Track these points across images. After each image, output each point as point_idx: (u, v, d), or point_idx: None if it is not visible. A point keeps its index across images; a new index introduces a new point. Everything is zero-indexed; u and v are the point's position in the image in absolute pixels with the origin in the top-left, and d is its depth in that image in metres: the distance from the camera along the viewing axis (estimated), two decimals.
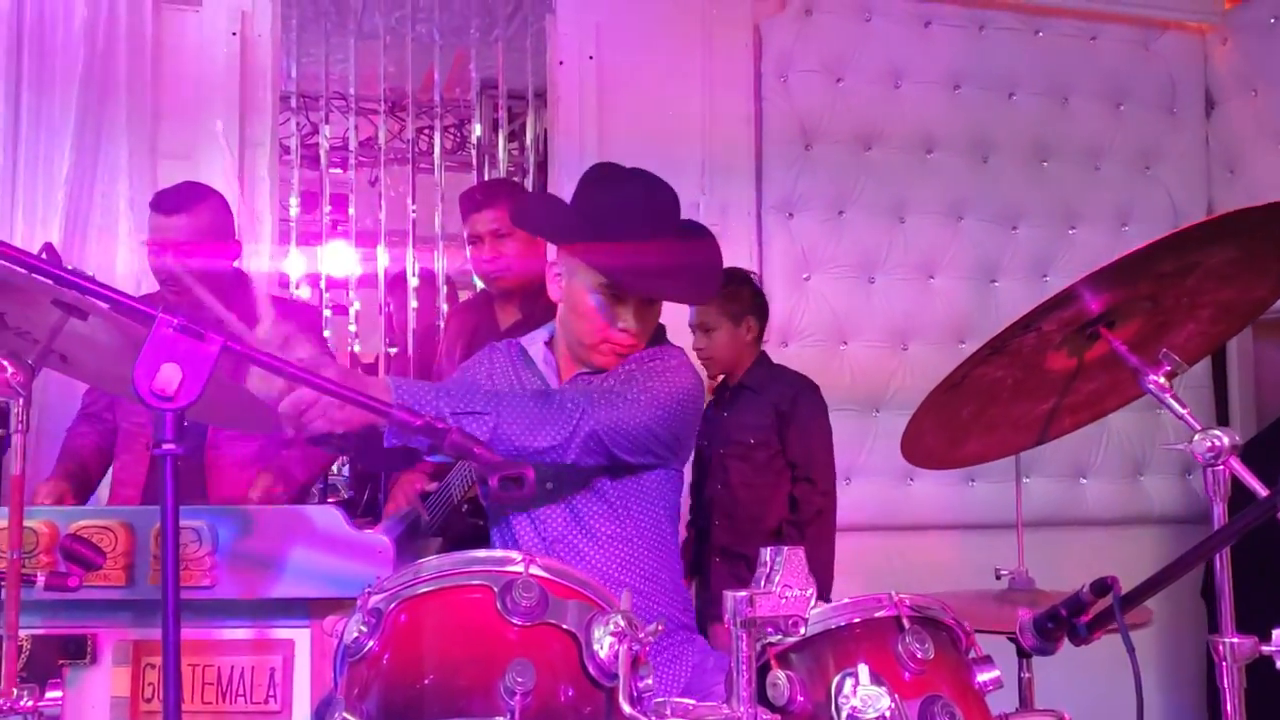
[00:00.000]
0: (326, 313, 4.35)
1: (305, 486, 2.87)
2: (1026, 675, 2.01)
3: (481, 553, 1.36)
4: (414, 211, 4.48)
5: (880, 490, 3.94)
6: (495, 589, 1.30)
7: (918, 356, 3.98)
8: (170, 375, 1.11)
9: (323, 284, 4.47)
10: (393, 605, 1.32)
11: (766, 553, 1.27)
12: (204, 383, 1.13)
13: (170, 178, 3.50)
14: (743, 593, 1.23)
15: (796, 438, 3.13)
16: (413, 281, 4.38)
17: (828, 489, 3.16)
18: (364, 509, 4.05)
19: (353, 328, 4.51)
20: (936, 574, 4.00)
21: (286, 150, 4.30)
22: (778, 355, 3.84)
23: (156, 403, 1.12)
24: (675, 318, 2.36)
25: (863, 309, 3.93)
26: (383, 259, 4.41)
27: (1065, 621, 1.43)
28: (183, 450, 1.12)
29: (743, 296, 3.18)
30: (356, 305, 4.66)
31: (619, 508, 2.00)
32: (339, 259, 4.77)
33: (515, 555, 1.35)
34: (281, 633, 1.78)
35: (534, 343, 2.14)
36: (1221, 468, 1.41)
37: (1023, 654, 2.04)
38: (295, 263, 4.47)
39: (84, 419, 2.94)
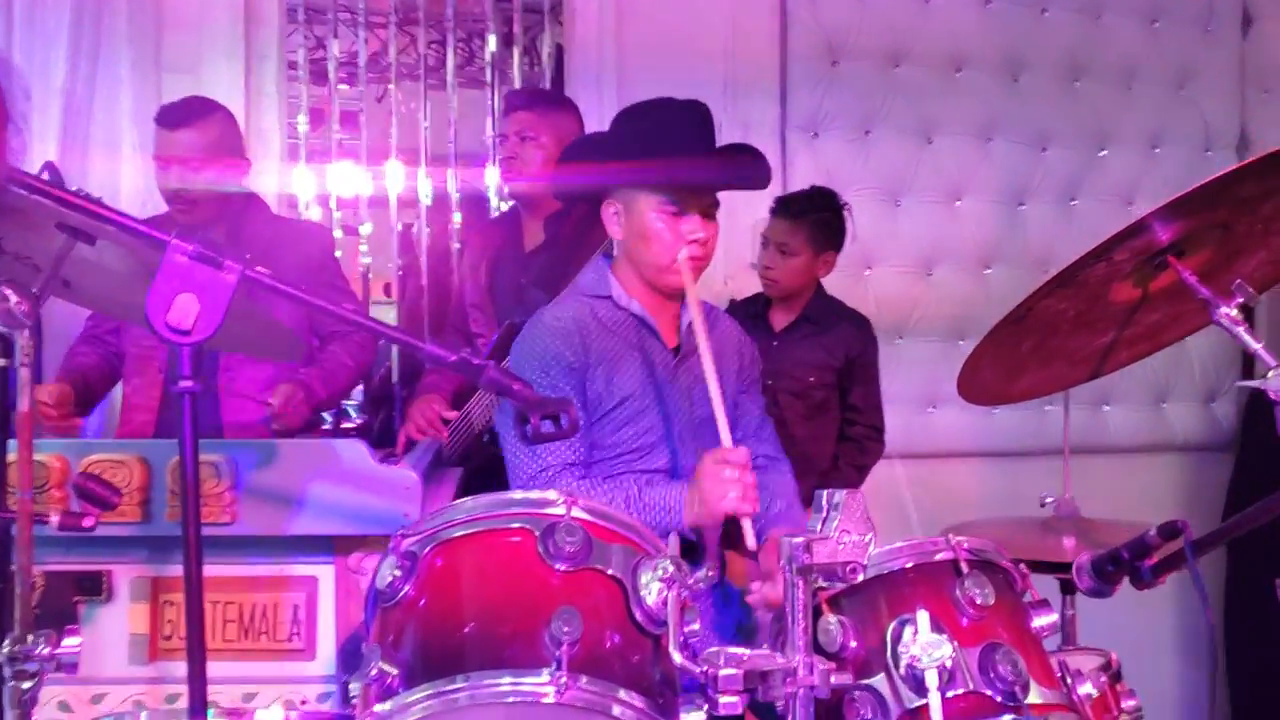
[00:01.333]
0: (338, 233, 4.23)
1: (324, 404, 2.81)
2: (1071, 613, 1.97)
3: (518, 493, 1.28)
4: (426, 128, 4.35)
5: (902, 418, 3.84)
6: (536, 532, 1.23)
7: (943, 282, 3.87)
8: (186, 307, 1.04)
9: (333, 203, 4.35)
10: (428, 549, 1.26)
11: (823, 496, 1.20)
12: (223, 314, 1.05)
13: (174, 92, 3.39)
14: (799, 538, 1.16)
15: (863, 383, 3.09)
16: (425, 201, 4.26)
17: (884, 435, 3.16)
18: (379, 436, 3.99)
19: (364, 247, 4.38)
20: (960, 502, 3.95)
21: (293, 66, 4.15)
22: None
23: (172, 336, 1.04)
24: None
25: (888, 233, 3.82)
26: (394, 178, 4.28)
27: (1127, 565, 1.37)
28: (199, 387, 1.04)
29: (834, 227, 3.06)
30: (368, 226, 4.55)
31: None
32: (348, 178, 4.66)
33: (554, 495, 1.28)
34: (304, 569, 1.72)
35: (621, 296, 2.12)
36: None
37: (1067, 589, 2.00)
38: (304, 181, 4.34)
39: (86, 340, 2.86)
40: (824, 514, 1.19)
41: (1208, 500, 4.10)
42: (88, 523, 1.37)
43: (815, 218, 2.99)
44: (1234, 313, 1.40)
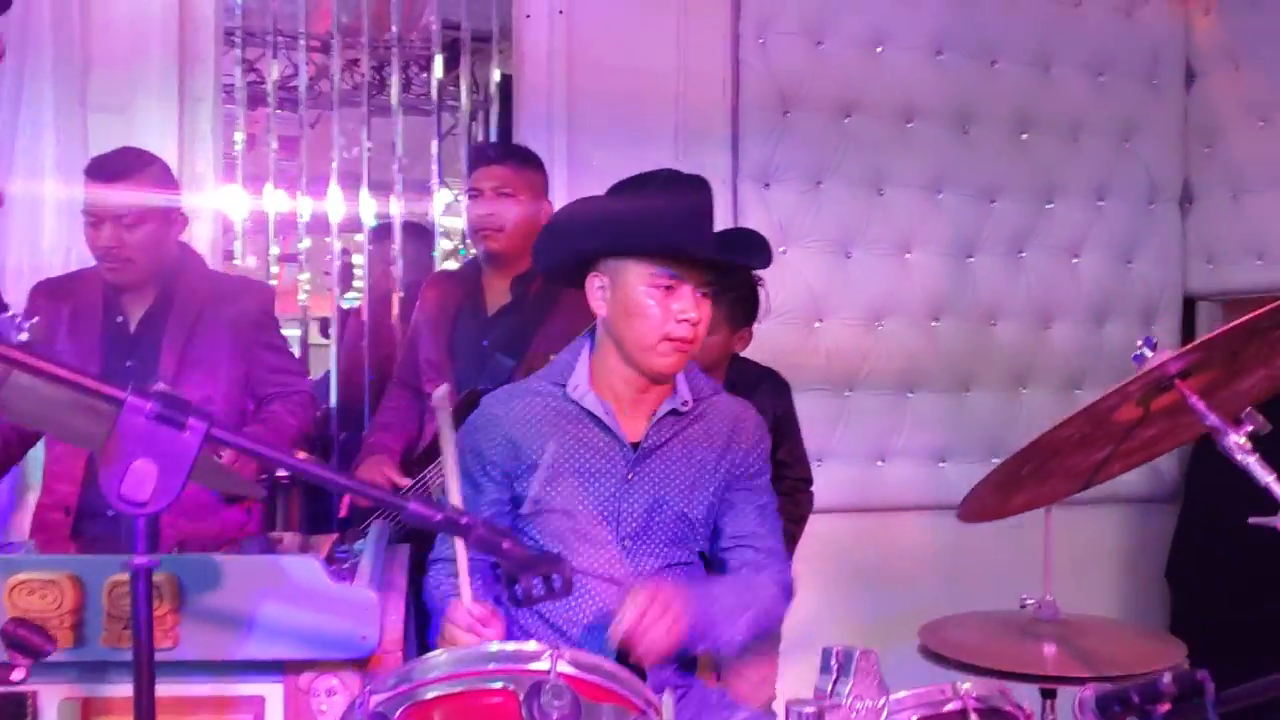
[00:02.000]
0: (274, 268, 4.07)
1: (272, 467, 2.67)
2: (1051, 717, 1.92)
3: (495, 645, 1.18)
4: (369, 150, 4.18)
5: (852, 472, 3.83)
6: (520, 693, 1.13)
7: (892, 334, 3.84)
8: (143, 474, 0.92)
9: (270, 230, 4.19)
10: (399, 710, 1.15)
11: (832, 654, 1.12)
12: (184, 480, 0.93)
13: (102, 134, 3.23)
14: (809, 707, 1.08)
15: (789, 438, 3.02)
16: (369, 222, 4.09)
17: (812, 485, 3.08)
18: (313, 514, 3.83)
19: (304, 280, 4.20)
20: (909, 557, 3.93)
21: (230, 90, 3.97)
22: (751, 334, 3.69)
23: (127, 508, 0.92)
24: None
25: (839, 285, 3.78)
26: (335, 203, 4.11)
27: (1137, 709, 1.30)
28: (156, 563, 0.92)
29: (751, 303, 2.98)
30: (306, 241, 4.37)
31: None
32: (286, 204, 4.51)
33: (536, 647, 1.18)
34: (251, 688, 1.59)
35: (577, 387, 1.98)
36: None
37: (1047, 695, 1.95)
38: (240, 207, 4.16)
39: None
40: (833, 675, 1.11)
41: (1152, 551, 4.12)
42: (17, 675, 1.23)
43: (733, 296, 2.91)
44: (1242, 441, 1.35)
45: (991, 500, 1.60)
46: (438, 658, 1.17)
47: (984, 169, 3.93)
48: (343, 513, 2.72)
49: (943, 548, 3.84)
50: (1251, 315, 1.25)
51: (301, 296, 4.16)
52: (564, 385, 1.99)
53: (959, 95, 3.89)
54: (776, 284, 3.68)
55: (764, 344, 3.67)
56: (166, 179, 2.62)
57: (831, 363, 3.77)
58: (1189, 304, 4.22)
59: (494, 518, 1.94)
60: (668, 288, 1.88)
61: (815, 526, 3.78)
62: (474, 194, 2.81)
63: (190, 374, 2.57)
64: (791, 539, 2.87)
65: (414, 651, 1.95)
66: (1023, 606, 2.02)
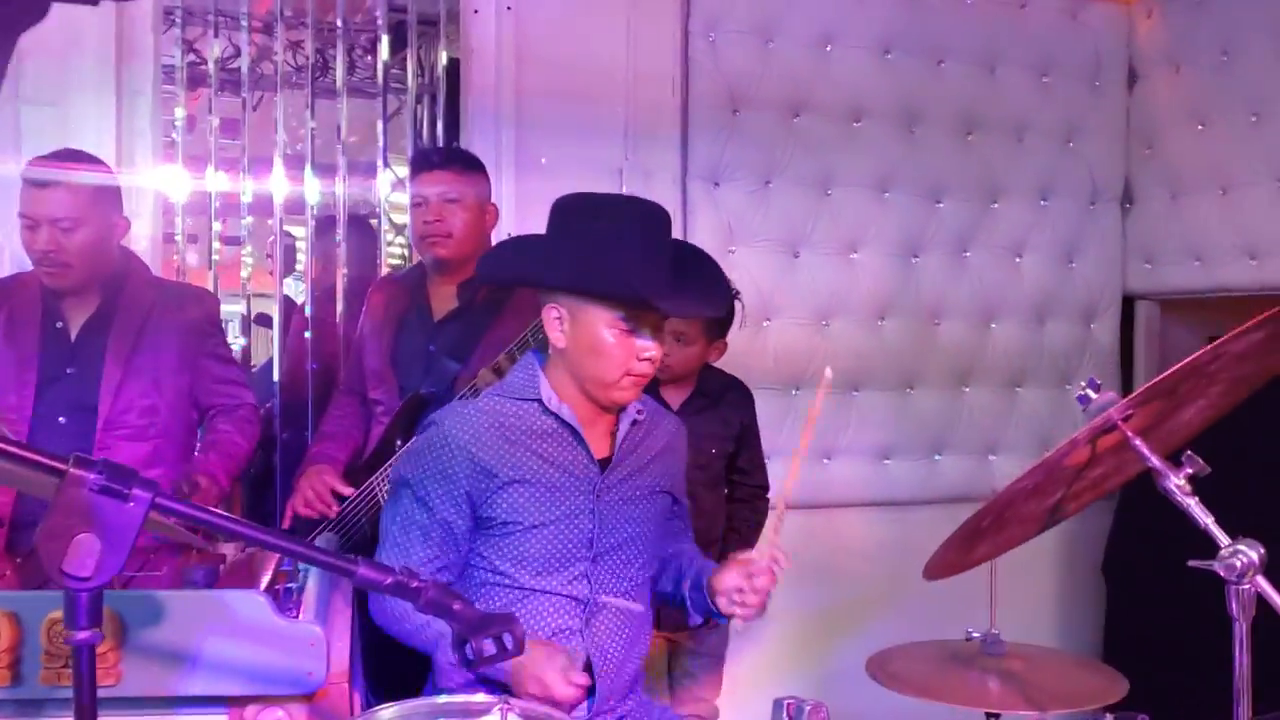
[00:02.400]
0: (216, 244, 3.97)
1: (228, 495, 2.63)
2: None
3: (443, 698, 1.18)
4: (312, 129, 4.09)
5: (800, 469, 3.84)
6: None
7: (839, 334, 3.87)
8: (86, 548, 0.90)
9: (212, 212, 4.09)
10: None
11: (784, 708, 1.13)
12: (127, 552, 0.92)
13: (35, 126, 3.16)
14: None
15: (750, 447, 3.11)
16: (311, 200, 4.00)
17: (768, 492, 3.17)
18: (257, 481, 3.79)
19: (247, 250, 4.10)
20: (855, 553, 3.97)
21: (170, 71, 3.87)
22: None
23: (70, 584, 0.90)
24: None
25: (787, 285, 3.80)
26: (278, 184, 4.02)
27: None
28: (99, 637, 0.90)
29: (728, 316, 2.99)
30: (248, 219, 4.27)
31: None
32: (230, 188, 4.42)
33: (485, 699, 1.18)
34: None
35: (552, 399, 1.97)
36: (1249, 586, 1.31)
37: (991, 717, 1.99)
38: (181, 188, 4.06)
39: None
40: None
41: (1087, 551, 4.20)
42: None
43: None
44: (1182, 483, 1.38)
45: (955, 558, 1.62)
46: (383, 713, 1.17)
47: (930, 169, 3.96)
48: (285, 524, 2.68)
49: (887, 542, 3.90)
50: (1192, 357, 1.27)
51: (244, 273, 4.06)
52: (537, 400, 1.97)
53: (906, 95, 3.92)
54: None
55: None
56: (106, 183, 2.55)
57: (780, 362, 3.79)
58: (1128, 303, 4.29)
59: (443, 541, 1.92)
60: (629, 330, 1.88)
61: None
62: (418, 201, 2.75)
63: (135, 383, 2.52)
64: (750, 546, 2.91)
65: (360, 679, 1.94)
66: (968, 639, 2.05)
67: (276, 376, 3.81)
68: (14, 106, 3.13)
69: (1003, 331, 4.11)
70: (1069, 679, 1.97)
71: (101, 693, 1.49)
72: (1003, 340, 4.11)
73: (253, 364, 4.54)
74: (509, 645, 1.11)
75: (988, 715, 1.93)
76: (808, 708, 1.11)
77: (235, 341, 4.16)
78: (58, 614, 1.48)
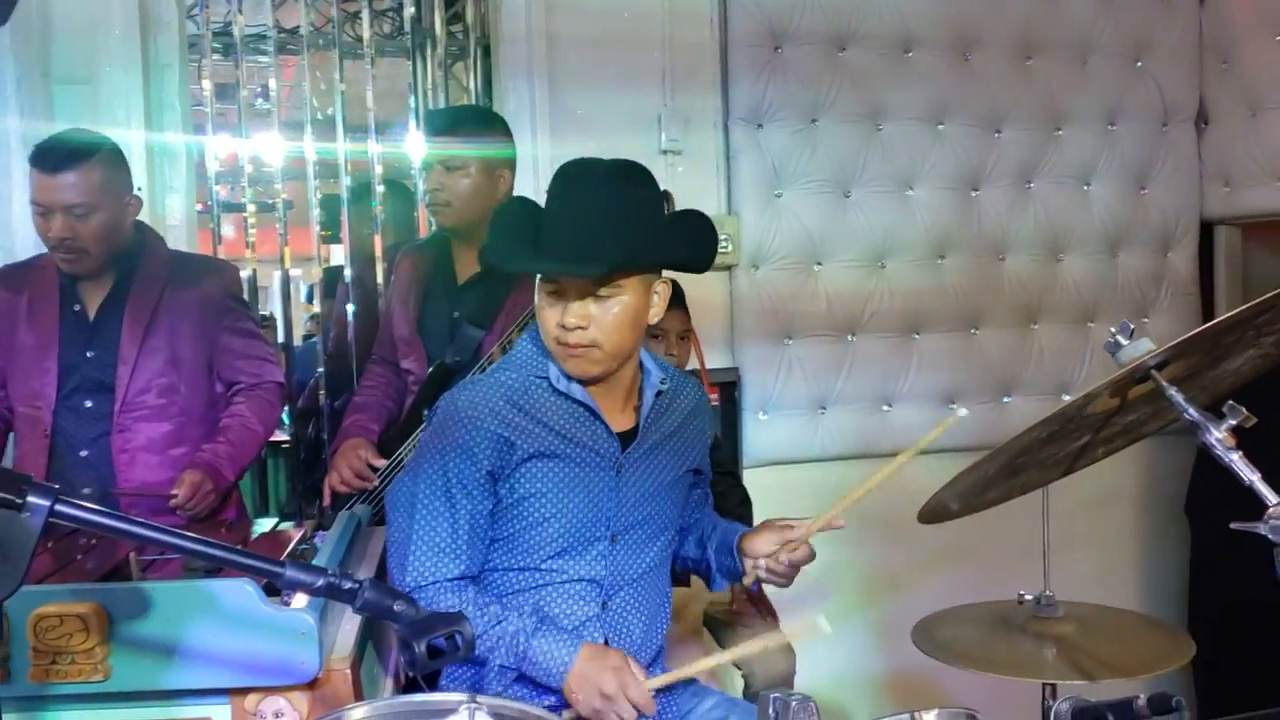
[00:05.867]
0: (251, 207, 3.93)
1: (232, 487, 2.60)
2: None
3: (420, 696, 1.11)
4: (341, 91, 4.02)
5: (857, 418, 3.73)
6: None
7: (896, 275, 3.72)
8: None
9: (246, 182, 4.07)
10: None
11: (770, 700, 1.05)
12: (26, 567, 0.86)
13: (67, 105, 3.15)
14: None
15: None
16: (347, 180, 3.95)
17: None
18: (307, 451, 3.79)
19: (282, 223, 4.05)
20: (919, 503, 3.83)
21: (196, 40, 3.82)
22: (748, 281, 3.59)
23: None
24: None
25: (838, 226, 3.65)
26: (311, 147, 3.97)
27: None
28: None
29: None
30: (284, 196, 4.23)
31: None
32: (264, 148, 4.40)
33: (458, 699, 1.11)
34: (195, 711, 1.54)
35: (560, 378, 1.87)
36: None
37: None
38: (212, 157, 4.03)
39: None
40: None
41: (1170, 487, 4.01)
42: None
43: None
44: (1224, 436, 1.25)
45: (956, 503, 1.51)
46: (353, 712, 1.11)
47: (988, 98, 3.77)
48: (326, 501, 2.65)
49: (919, 490, 3.75)
50: (1234, 313, 1.14)
51: (280, 242, 4.02)
52: (545, 376, 1.87)
53: (959, 21, 3.72)
54: (773, 229, 3.58)
55: (762, 291, 3.60)
56: (117, 162, 2.50)
57: (833, 307, 3.66)
58: (1206, 229, 4.07)
59: (471, 533, 1.84)
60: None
61: (824, 473, 3.73)
62: (425, 165, 2.68)
63: (151, 362, 2.50)
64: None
65: (374, 663, 1.90)
66: (1020, 602, 1.94)
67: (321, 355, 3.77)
68: (45, 85, 3.12)
69: (1072, 265, 3.92)
70: (1125, 644, 1.84)
71: (90, 689, 1.48)
72: (1073, 274, 3.92)
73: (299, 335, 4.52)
74: (460, 645, 1.05)
75: (1044, 686, 1.81)
76: (794, 703, 1.02)
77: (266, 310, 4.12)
78: (44, 609, 1.45)
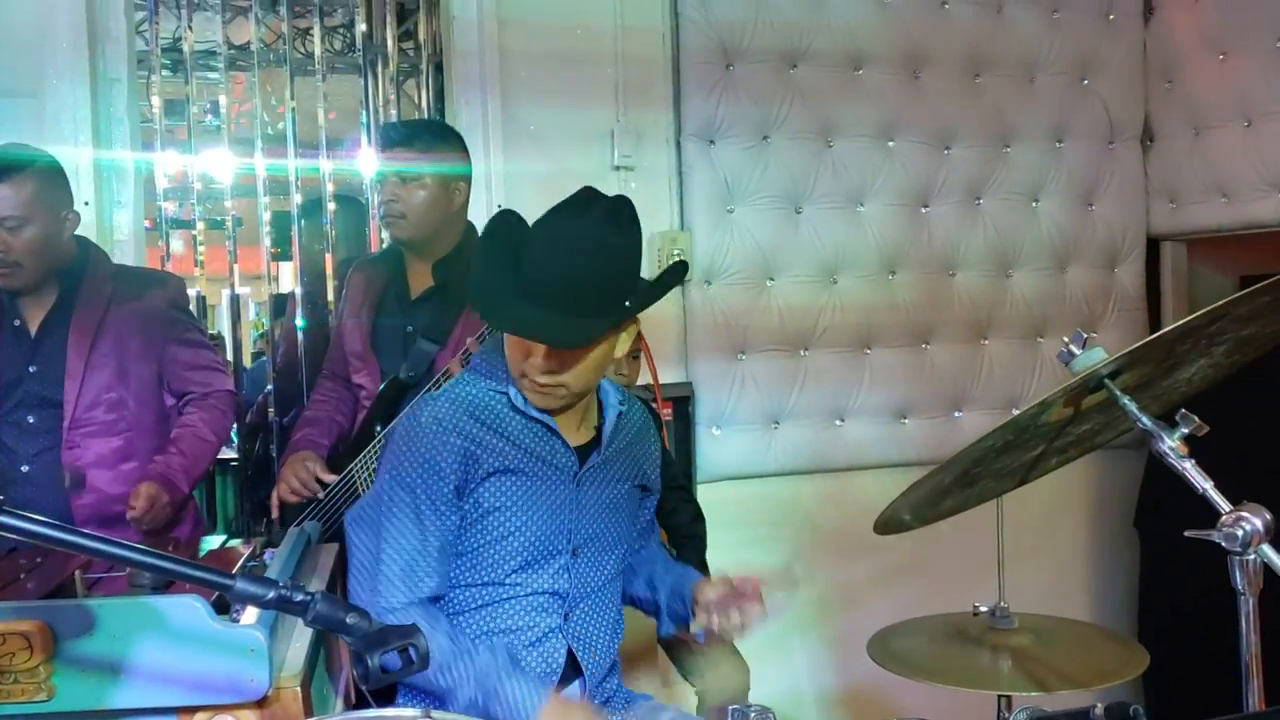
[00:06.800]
0: (200, 224, 3.87)
1: (187, 499, 2.55)
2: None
3: (372, 713, 1.09)
4: (293, 108, 3.98)
5: (810, 432, 3.74)
6: None
7: (848, 291, 3.74)
8: None
9: (195, 199, 4.01)
10: None
11: (729, 714, 1.04)
12: None
13: (12, 119, 3.09)
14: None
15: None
16: (298, 197, 3.91)
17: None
18: (255, 467, 3.73)
19: (231, 240, 4.00)
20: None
21: (145, 56, 3.76)
22: (701, 296, 3.59)
23: None
24: None
25: (790, 242, 3.66)
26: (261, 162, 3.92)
27: None
28: None
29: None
30: (234, 213, 4.18)
31: None
32: (213, 165, 4.35)
33: (412, 713, 1.09)
34: None
35: (519, 398, 1.85)
36: (1254, 557, 1.20)
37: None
38: (160, 174, 3.97)
39: None
40: None
41: (1120, 499, 4.06)
42: None
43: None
44: (1177, 444, 1.26)
45: (911, 513, 1.52)
46: None
47: (937, 115, 3.81)
48: (274, 514, 2.62)
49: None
50: (1186, 320, 1.15)
51: (229, 258, 3.96)
52: (504, 392, 1.86)
53: (909, 39, 3.77)
54: (725, 244, 3.59)
55: (715, 306, 3.60)
56: (52, 175, 2.46)
57: (785, 322, 3.67)
58: (1152, 244, 4.13)
59: (440, 550, 1.81)
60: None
61: (777, 488, 3.74)
62: (380, 178, 2.66)
63: (98, 377, 2.46)
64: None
65: (324, 681, 1.86)
66: (975, 614, 1.94)
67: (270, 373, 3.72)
68: None
69: (1021, 280, 3.97)
70: (1079, 655, 1.85)
71: (33, 709, 1.44)
72: (1022, 289, 3.96)
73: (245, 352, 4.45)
74: (414, 658, 1.03)
75: (1000, 698, 1.82)
76: (753, 714, 1.02)
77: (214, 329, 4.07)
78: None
